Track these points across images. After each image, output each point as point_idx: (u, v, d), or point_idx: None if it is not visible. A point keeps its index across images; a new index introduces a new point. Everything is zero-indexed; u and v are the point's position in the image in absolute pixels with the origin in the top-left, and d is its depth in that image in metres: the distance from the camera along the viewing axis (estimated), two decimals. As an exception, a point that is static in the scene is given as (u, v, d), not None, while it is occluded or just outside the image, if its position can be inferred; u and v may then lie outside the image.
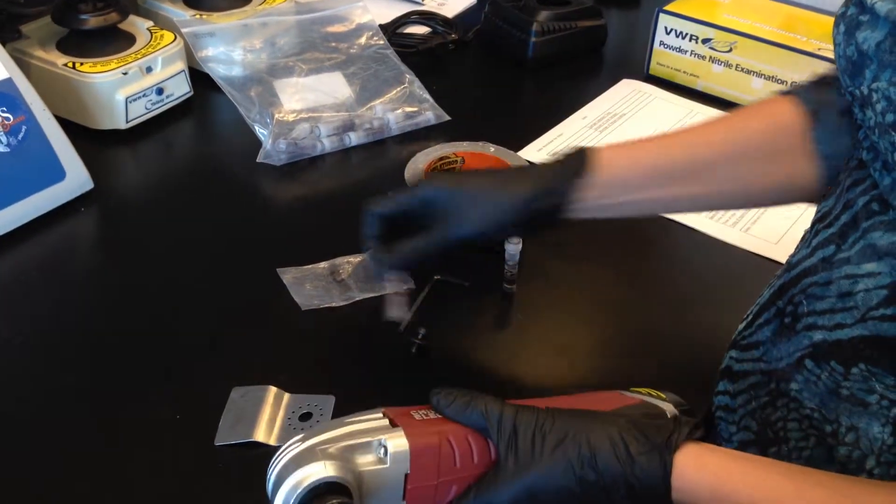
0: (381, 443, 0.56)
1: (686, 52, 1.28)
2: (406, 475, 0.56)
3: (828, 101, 0.70)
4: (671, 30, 1.28)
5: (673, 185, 0.73)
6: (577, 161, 0.71)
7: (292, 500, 0.55)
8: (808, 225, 0.71)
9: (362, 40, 1.25)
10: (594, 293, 0.94)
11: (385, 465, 0.56)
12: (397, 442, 0.56)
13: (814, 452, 0.62)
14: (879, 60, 0.53)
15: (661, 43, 1.29)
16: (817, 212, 0.65)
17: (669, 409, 0.64)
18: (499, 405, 0.58)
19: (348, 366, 0.83)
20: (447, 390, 0.59)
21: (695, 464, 0.55)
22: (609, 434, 0.55)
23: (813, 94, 0.71)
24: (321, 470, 0.55)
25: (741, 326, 0.71)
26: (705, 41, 1.26)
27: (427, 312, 0.87)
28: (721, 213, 1.03)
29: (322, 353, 0.84)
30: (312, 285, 0.89)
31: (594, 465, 0.55)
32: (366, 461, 0.56)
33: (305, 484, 0.54)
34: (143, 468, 0.72)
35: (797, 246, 0.68)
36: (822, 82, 0.73)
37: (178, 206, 1.03)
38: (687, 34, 1.27)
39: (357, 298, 0.88)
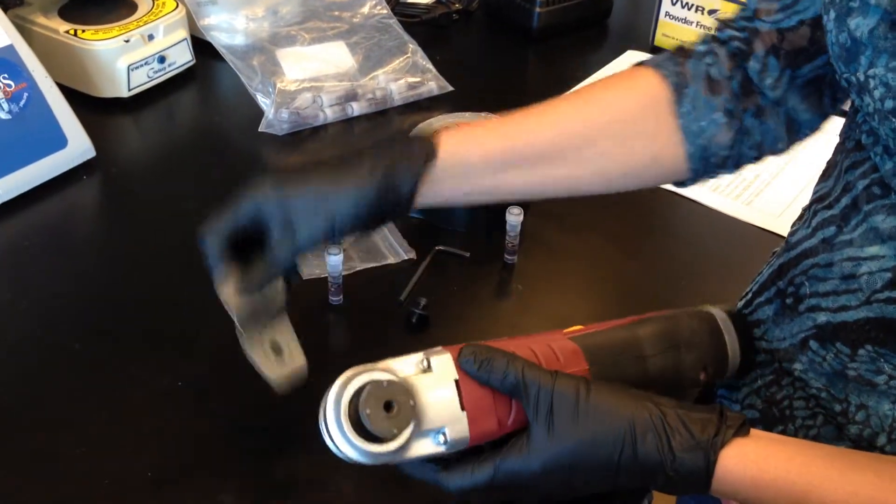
0: (425, 357, 0.58)
1: (692, 23, 1.27)
2: (456, 381, 0.57)
3: (689, 74, 0.67)
4: (677, 0, 1.27)
5: (532, 168, 0.67)
6: (421, 149, 0.65)
7: (344, 396, 0.55)
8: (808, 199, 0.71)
9: (365, 9, 1.24)
10: (595, 264, 0.94)
11: (431, 373, 0.57)
12: (440, 355, 0.57)
13: (822, 431, 0.62)
14: (874, 47, 0.53)
15: (667, 14, 1.28)
16: (815, 192, 0.65)
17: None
18: (536, 374, 0.55)
19: (349, 335, 0.84)
20: (477, 349, 0.56)
21: (737, 456, 0.53)
22: (653, 424, 0.53)
23: (674, 67, 0.68)
24: (369, 374, 0.56)
25: (740, 304, 0.71)
26: (711, 12, 1.25)
27: (428, 283, 0.87)
28: (724, 185, 1.02)
29: (323, 321, 0.84)
30: (314, 254, 0.89)
31: (634, 454, 0.53)
32: (413, 372, 0.57)
33: (355, 380, 0.56)
34: (144, 435, 0.72)
35: (794, 225, 0.67)
36: (680, 53, 0.69)
37: (180, 175, 1.03)
38: (693, 5, 1.26)
39: (358, 268, 0.88)
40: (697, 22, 1.26)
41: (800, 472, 0.52)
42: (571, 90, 0.71)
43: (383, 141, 0.66)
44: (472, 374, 0.56)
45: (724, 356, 0.65)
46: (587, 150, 0.67)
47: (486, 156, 0.67)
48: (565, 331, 0.63)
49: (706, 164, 0.68)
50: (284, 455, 0.71)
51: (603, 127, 0.68)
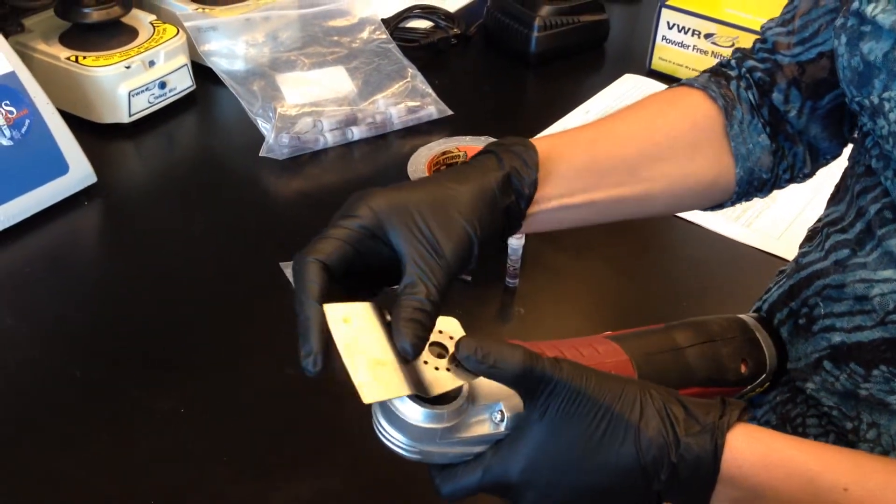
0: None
1: (688, 47, 1.28)
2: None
3: (734, 96, 0.67)
4: (673, 25, 1.28)
5: (609, 185, 0.64)
6: (524, 148, 0.59)
7: None
8: (809, 221, 0.71)
9: (364, 34, 1.25)
10: (596, 287, 0.94)
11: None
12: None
13: None
14: (889, 70, 0.53)
15: (664, 38, 1.29)
16: (826, 215, 0.65)
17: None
18: (538, 363, 0.49)
19: (351, 359, 0.83)
20: (477, 341, 0.50)
21: (744, 436, 0.50)
22: (656, 410, 0.49)
23: (718, 89, 0.68)
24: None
25: None
26: (707, 36, 1.26)
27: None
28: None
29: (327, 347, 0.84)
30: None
31: (637, 443, 0.49)
32: None
33: None
34: (147, 459, 0.72)
35: (804, 246, 0.67)
36: (718, 76, 0.69)
37: (181, 200, 1.03)
38: (689, 29, 1.27)
39: (360, 292, 0.88)
40: (694, 46, 1.27)
41: (810, 451, 0.51)
42: (626, 107, 0.69)
43: (496, 145, 0.60)
44: (474, 368, 0.50)
45: (759, 350, 0.65)
46: (659, 168, 0.65)
47: (576, 166, 0.63)
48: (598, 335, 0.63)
49: (749, 187, 0.68)
50: (287, 478, 0.71)
51: (672, 146, 0.66)
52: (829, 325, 0.61)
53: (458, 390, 0.51)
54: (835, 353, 0.61)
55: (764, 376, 0.66)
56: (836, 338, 0.60)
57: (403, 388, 0.49)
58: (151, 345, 0.83)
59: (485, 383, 0.52)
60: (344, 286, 0.53)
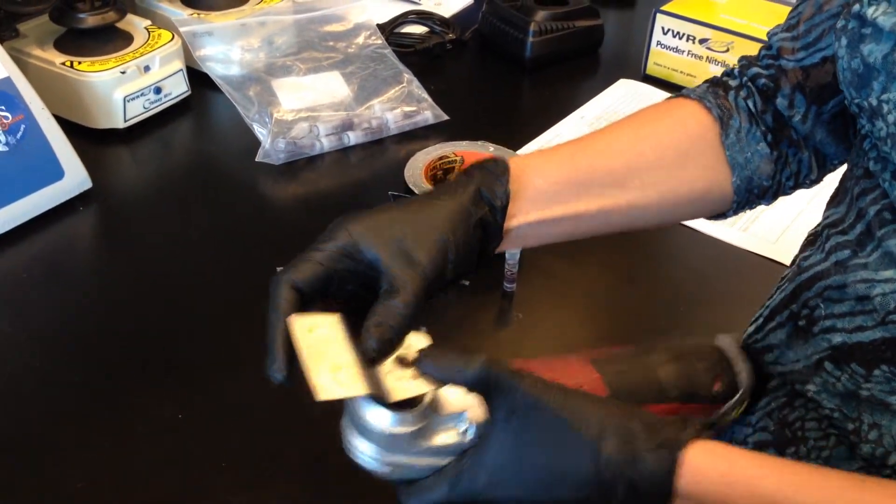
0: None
1: (683, 52, 1.28)
2: None
3: (731, 106, 0.68)
4: (668, 30, 1.28)
5: (593, 197, 0.65)
6: (495, 164, 0.61)
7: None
8: (806, 224, 0.71)
9: (360, 40, 1.25)
10: (593, 291, 0.94)
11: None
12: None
13: (833, 452, 0.62)
14: (888, 72, 0.54)
15: (658, 43, 1.30)
16: (826, 217, 0.65)
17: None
18: (501, 371, 0.51)
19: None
20: (440, 351, 0.52)
21: (703, 453, 0.50)
22: (616, 427, 0.50)
23: (715, 100, 0.68)
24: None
25: (751, 329, 0.71)
26: (702, 41, 1.26)
27: (427, 311, 0.87)
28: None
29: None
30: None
31: (596, 459, 0.50)
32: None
33: None
34: (146, 465, 0.72)
35: (805, 248, 0.67)
36: (715, 86, 0.70)
37: (177, 206, 1.03)
38: (684, 34, 1.27)
39: (358, 297, 0.88)
40: (689, 51, 1.27)
41: (774, 468, 0.51)
42: (619, 120, 0.70)
43: (470, 166, 0.62)
44: (433, 372, 0.51)
45: (733, 366, 0.65)
46: (647, 178, 0.66)
47: (554, 180, 0.64)
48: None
49: (749, 196, 0.69)
50: (288, 484, 0.71)
51: (660, 156, 0.67)
52: (829, 326, 0.61)
53: (422, 399, 0.52)
54: (835, 354, 0.61)
55: (741, 393, 0.66)
56: (837, 338, 0.61)
57: (360, 389, 0.50)
58: (149, 350, 0.83)
59: (453, 395, 0.53)
60: (342, 305, 0.55)
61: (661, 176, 0.66)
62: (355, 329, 0.53)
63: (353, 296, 0.56)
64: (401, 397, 0.51)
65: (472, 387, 0.51)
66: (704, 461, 0.50)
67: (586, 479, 0.50)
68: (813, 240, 0.67)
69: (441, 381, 0.52)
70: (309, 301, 0.54)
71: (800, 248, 0.69)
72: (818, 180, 0.71)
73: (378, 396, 0.51)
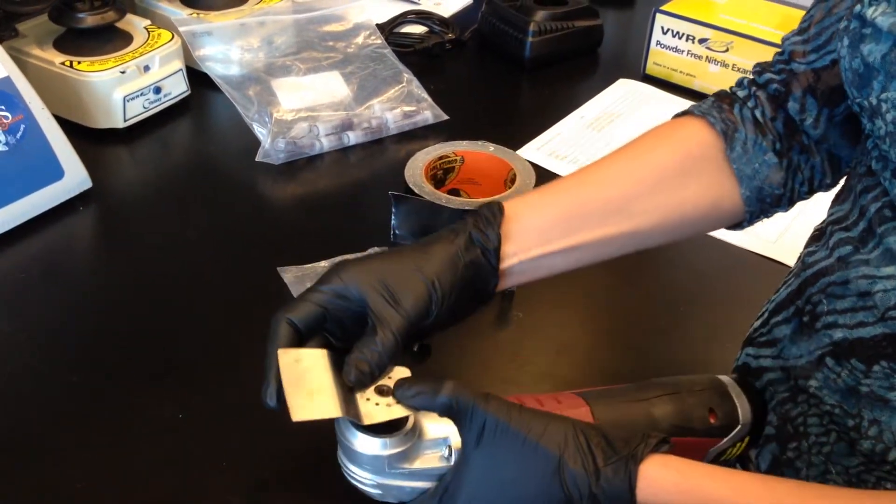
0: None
1: (683, 51, 1.28)
2: None
3: (736, 119, 0.69)
4: (668, 30, 1.28)
5: (593, 228, 0.67)
6: (489, 209, 0.65)
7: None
8: (806, 224, 0.72)
9: (359, 39, 1.25)
10: (594, 291, 0.94)
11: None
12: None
13: (834, 447, 0.63)
14: (886, 71, 0.55)
15: (658, 43, 1.30)
16: (830, 214, 0.66)
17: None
18: (468, 395, 0.55)
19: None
20: (411, 379, 0.57)
21: (658, 465, 0.54)
22: (578, 443, 0.54)
23: (719, 114, 0.69)
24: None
25: (757, 324, 0.72)
26: (702, 41, 1.26)
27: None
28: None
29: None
30: (313, 284, 0.89)
31: (560, 475, 0.53)
32: None
33: None
34: (145, 465, 0.72)
35: (811, 245, 0.68)
36: (722, 99, 0.71)
37: (177, 206, 1.03)
38: (683, 34, 1.27)
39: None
40: (688, 51, 1.27)
41: (723, 479, 0.54)
42: (619, 147, 0.71)
43: (467, 213, 0.66)
44: (405, 398, 0.56)
45: (730, 402, 0.66)
46: (648, 203, 0.68)
47: (552, 215, 0.67)
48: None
49: (762, 205, 0.70)
50: (287, 485, 0.70)
51: (660, 179, 0.68)
52: (831, 322, 0.62)
53: (405, 424, 0.56)
54: (836, 350, 0.61)
55: (739, 428, 0.66)
56: (838, 334, 0.61)
57: (333, 412, 0.55)
58: (149, 350, 0.83)
59: (436, 421, 0.57)
60: (338, 340, 0.61)
61: (663, 199, 0.68)
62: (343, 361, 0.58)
63: (351, 331, 0.61)
64: (374, 421, 0.55)
65: (442, 413, 0.55)
66: (659, 474, 0.54)
67: (555, 496, 0.53)
68: (818, 235, 0.67)
69: (414, 408, 0.56)
70: (307, 336, 0.60)
71: (805, 244, 0.69)
72: (834, 184, 0.71)
73: (354, 420, 0.55)
